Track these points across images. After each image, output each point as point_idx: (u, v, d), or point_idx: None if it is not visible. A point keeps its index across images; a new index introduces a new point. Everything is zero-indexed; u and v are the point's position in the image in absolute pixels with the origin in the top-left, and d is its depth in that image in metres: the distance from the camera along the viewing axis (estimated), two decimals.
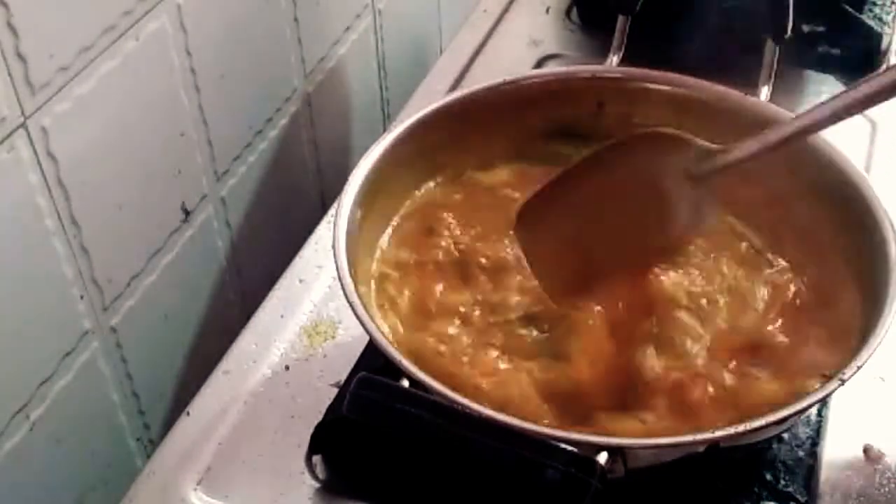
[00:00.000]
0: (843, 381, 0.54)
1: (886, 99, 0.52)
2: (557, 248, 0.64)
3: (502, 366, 0.60)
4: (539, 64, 0.93)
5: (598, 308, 0.62)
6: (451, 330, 0.62)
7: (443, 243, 0.68)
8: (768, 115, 0.70)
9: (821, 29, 0.87)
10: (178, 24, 0.70)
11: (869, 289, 0.60)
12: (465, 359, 0.60)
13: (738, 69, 0.73)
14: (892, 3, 0.90)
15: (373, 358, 0.63)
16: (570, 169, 0.64)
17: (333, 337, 0.69)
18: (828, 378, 0.55)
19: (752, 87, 0.72)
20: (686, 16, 0.87)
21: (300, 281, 0.73)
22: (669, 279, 0.64)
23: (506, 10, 1.00)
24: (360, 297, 0.58)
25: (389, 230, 0.69)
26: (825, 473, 0.61)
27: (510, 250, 0.67)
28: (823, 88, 0.88)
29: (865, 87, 0.53)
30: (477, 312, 0.64)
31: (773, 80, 0.73)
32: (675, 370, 0.59)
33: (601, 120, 0.75)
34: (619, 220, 0.64)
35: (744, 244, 0.68)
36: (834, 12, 0.87)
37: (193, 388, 0.67)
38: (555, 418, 0.57)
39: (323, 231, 0.77)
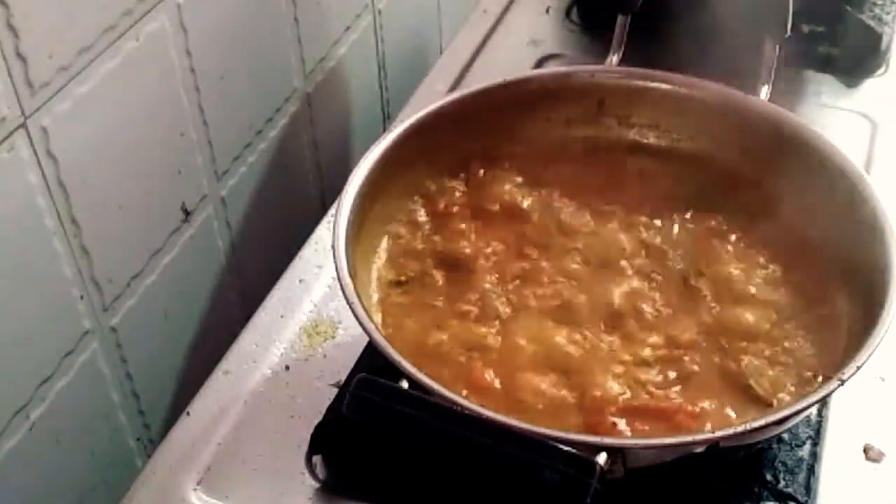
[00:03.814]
0: (843, 381, 0.54)
1: None
2: None
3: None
4: (539, 64, 0.93)
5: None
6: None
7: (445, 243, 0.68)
8: (768, 115, 0.70)
9: (821, 29, 0.87)
10: (178, 24, 0.70)
11: (868, 288, 0.60)
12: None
13: (738, 69, 0.73)
14: (893, 2, 0.90)
15: (373, 358, 0.63)
16: None
17: (333, 337, 0.69)
18: (828, 378, 0.55)
19: (752, 87, 0.72)
20: (686, 16, 0.87)
21: (300, 281, 0.73)
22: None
23: (506, 10, 1.00)
24: (359, 297, 0.58)
25: (390, 230, 0.69)
26: (825, 473, 0.61)
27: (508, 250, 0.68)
28: (823, 88, 0.88)
29: None
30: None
31: (773, 80, 0.73)
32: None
33: (601, 120, 0.75)
34: None
35: (737, 241, 0.68)
36: (834, 12, 0.87)
37: (193, 388, 0.67)
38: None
39: (323, 231, 0.77)
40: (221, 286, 0.83)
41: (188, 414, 0.65)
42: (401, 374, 0.54)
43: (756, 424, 0.53)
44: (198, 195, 0.77)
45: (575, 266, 0.67)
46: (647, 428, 0.57)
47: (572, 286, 0.65)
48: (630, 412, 0.58)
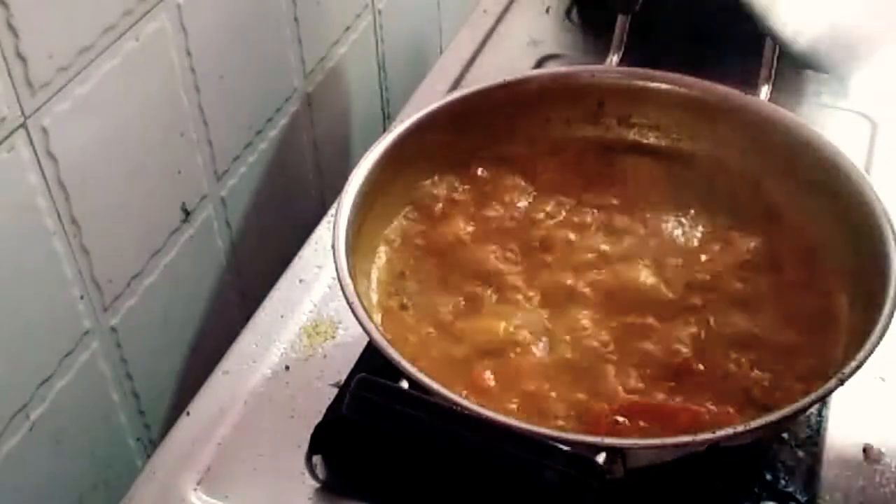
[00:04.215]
0: (843, 381, 0.54)
1: None
2: None
3: None
4: (539, 64, 0.93)
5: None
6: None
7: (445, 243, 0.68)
8: (768, 114, 0.70)
9: None
10: (178, 24, 0.70)
11: (868, 288, 0.60)
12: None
13: (738, 69, 0.73)
14: None
15: (373, 358, 0.63)
16: None
17: (333, 337, 0.69)
18: (828, 378, 0.55)
19: (752, 87, 0.72)
20: (686, 16, 0.87)
21: (300, 281, 0.73)
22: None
23: (506, 10, 1.00)
24: (359, 297, 0.58)
25: (390, 230, 0.69)
26: (825, 473, 0.61)
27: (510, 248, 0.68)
28: (823, 88, 0.88)
29: None
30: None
31: (773, 79, 0.73)
32: None
33: (601, 120, 0.75)
34: None
35: (737, 240, 0.68)
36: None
37: (193, 388, 0.67)
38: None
39: (323, 231, 0.77)
40: (221, 286, 0.83)
41: (188, 414, 0.65)
42: (401, 374, 0.54)
43: (756, 424, 0.53)
44: (198, 195, 0.77)
45: (576, 266, 0.67)
46: (647, 428, 0.57)
47: (573, 287, 0.65)
48: (631, 412, 0.58)
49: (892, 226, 0.61)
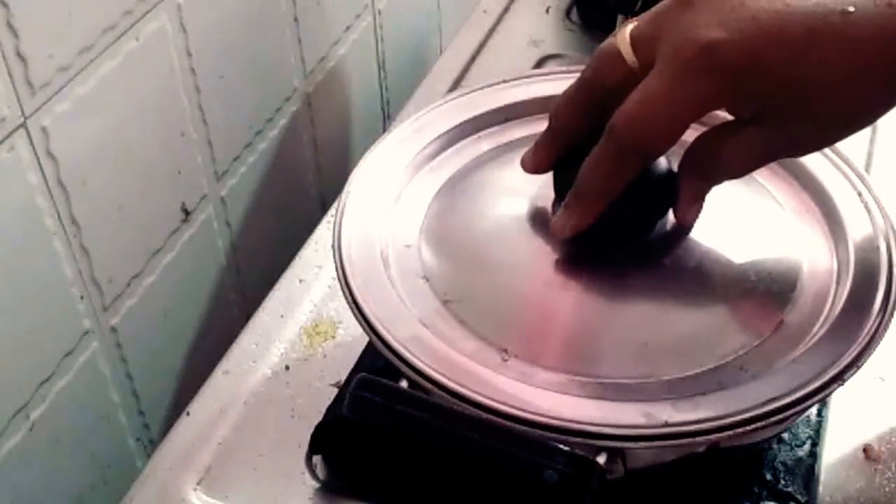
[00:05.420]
0: (843, 381, 0.54)
1: None
2: None
3: None
4: (539, 64, 0.93)
5: None
6: None
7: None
8: None
9: None
10: (178, 24, 0.70)
11: None
12: None
13: None
14: None
15: (373, 358, 0.63)
16: None
17: (333, 337, 0.69)
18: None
19: None
20: None
21: (300, 281, 0.73)
22: None
23: (506, 10, 1.00)
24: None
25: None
26: (825, 473, 0.61)
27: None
28: None
29: None
30: None
31: None
32: None
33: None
34: None
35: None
36: None
37: (193, 388, 0.67)
38: None
39: (323, 231, 0.77)
40: (221, 286, 0.83)
41: (188, 414, 0.65)
42: (401, 374, 0.54)
43: (756, 424, 0.53)
44: (198, 195, 0.77)
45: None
46: None
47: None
48: None
49: (892, 226, 0.61)
